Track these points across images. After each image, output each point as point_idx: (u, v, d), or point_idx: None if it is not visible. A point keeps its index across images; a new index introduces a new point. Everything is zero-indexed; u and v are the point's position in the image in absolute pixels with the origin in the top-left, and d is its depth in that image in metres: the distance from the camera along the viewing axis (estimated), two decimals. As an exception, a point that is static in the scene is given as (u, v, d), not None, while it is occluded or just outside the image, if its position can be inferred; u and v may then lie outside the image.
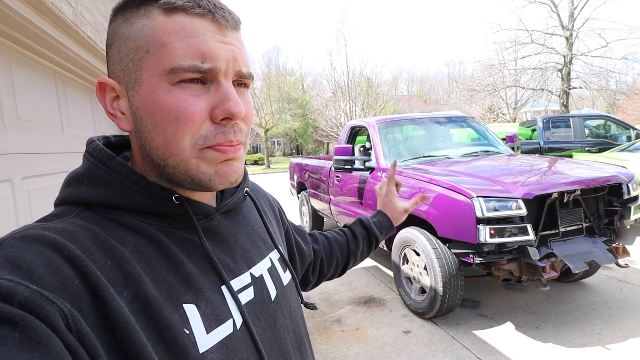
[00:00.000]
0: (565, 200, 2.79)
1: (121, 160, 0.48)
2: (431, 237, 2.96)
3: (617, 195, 2.94)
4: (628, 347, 2.57)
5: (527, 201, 2.57)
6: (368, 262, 4.73)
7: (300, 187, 6.42)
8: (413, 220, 3.35)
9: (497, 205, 2.54)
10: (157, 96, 0.45)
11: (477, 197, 2.57)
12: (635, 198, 2.95)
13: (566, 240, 2.79)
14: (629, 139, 8.26)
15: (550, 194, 2.71)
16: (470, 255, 2.65)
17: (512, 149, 4.45)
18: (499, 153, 4.04)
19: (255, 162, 33.51)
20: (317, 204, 5.53)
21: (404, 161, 3.79)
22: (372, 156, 3.97)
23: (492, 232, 2.51)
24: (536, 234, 2.66)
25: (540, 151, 7.70)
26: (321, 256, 0.90)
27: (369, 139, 4.69)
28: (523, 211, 2.53)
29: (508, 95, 22.49)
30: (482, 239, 2.52)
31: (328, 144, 43.40)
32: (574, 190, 2.75)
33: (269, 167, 27.26)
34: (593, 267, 3.35)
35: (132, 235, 0.45)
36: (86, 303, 0.36)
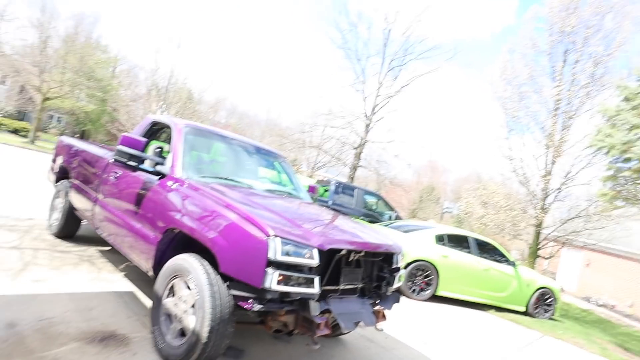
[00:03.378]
0: (350, 258, 2.81)
1: None
2: (211, 270, 2.46)
3: (388, 263, 3.18)
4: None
5: (319, 252, 2.43)
6: (124, 285, 3.81)
7: (62, 174, 4.94)
8: (193, 245, 2.80)
9: (291, 250, 2.30)
10: None
11: (275, 236, 2.27)
12: (399, 268, 3.26)
13: (342, 298, 2.77)
14: (389, 218, 10.08)
15: (341, 250, 2.67)
16: (250, 301, 2.28)
17: (312, 198, 4.54)
18: (301, 199, 4.01)
19: (15, 131, 26.13)
20: (79, 201, 4.28)
21: (203, 177, 3.25)
22: (168, 161, 3.28)
23: (280, 278, 2.22)
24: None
25: (327, 208, 8.43)
26: None
27: (168, 142, 3.98)
28: (315, 261, 2.37)
29: (310, 155, 25.13)
30: (267, 285, 2.20)
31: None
32: (361, 251, 2.81)
33: (33, 142, 21.55)
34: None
35: None
36: None
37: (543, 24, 12.67)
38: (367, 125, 16.88)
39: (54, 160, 5.31)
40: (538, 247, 11.90)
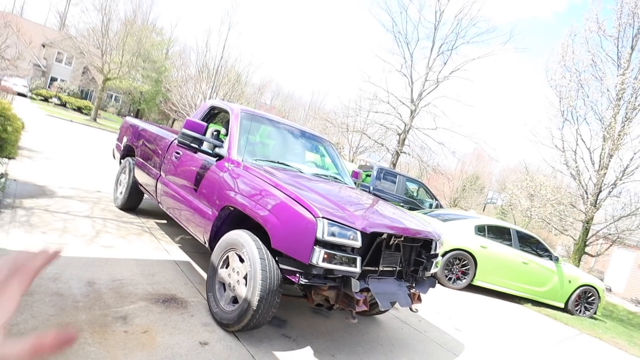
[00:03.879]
0: (390, 242, 2.98)
1: None
2: (262, 245, 2.73)
3: (426, 249, 3.32)
4: (399, 384, 2.83)
5: (362, 234, 2.62)
6: (180, 255, 4.21)
7: (127, 152, 5.43)
8: (246, 222, 3.09)
9: (337, 231, 2.50)
10: None
11: (322, 217, 2.48)
12: (437, 255, 3.38)
13: (380, 279, 2.96)
14: (430, 206, 10.04)
15: (382, 234, 2.85)
16: (297, 275, 2.53)
17: (355, 184, 4.71)
18: (345, 184, 4.19)
19: (79, 109, 28.13)
20: (142, 177, 4.72)
21: (256, 160, 3.52)
22: (225, 144, 3.58)
23: (326, 256, 2.44)
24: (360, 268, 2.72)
25: (368, 194, 8.59)
26: None
27: (225, 126, 4.28)
28: (358, 243, 2.56)
29: (353, 139, 25.13)
30: (314, 261, 2.43)
31: (174, 120, 40.03)
32: (401, 236, 2.97)
33: (95, 120, 23.17)
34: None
35: None
36: None
37: (612, 4, 11.74)
38: (413, 111, 16.62)
39: (119, 139, 5.82)
40: (586, 243, 11.38)
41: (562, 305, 7.66)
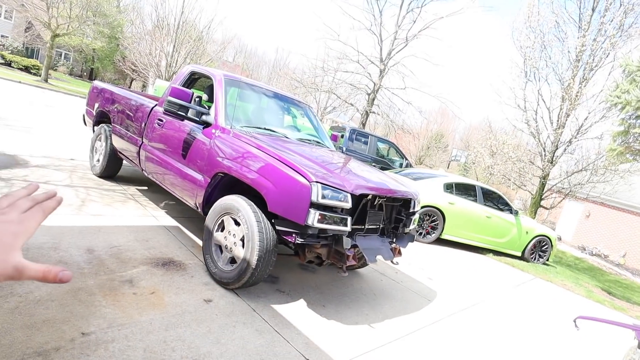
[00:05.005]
0: (375, 202, 3.23)
1: None
2: (257, 209, 2.90)
3: (405, 208, 3.61)
4: (385, 325, 3.20)
5: (352, 196, 2.84)
6: (169, 221, 4.31)
7: (100, 118, 5.30)
8: (237, 187, 3.24)
9: (330, 194, 2.71)
10: None
11: (316, 182, 2.67)
12: (415, 212, 3.69)
13: (366, 236, 3.23)
14: (400, 165, 10.43)
15: (368, 195, 3.08)
16: (294, 235, 2.74)
17: (334, 147, 4.88)
18: (327, 147, 4.36)
19: (26, 69, 26.04)
20: (121, 144, 4.67)
21: (243, 127, 3.61)
22: (212, 111, 3.61)
23: (320, 217, 2.65)
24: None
25: (342, 155, 8.81)
26: None
27: (207, 92, 4.28)
28: (349, 204, 2.78)
29: (321, 99, 24.96)
30: (309, 222, 2.63)
31: (132, 80, 37.87)
32: (385, 197, 3.22)
33: (47, 81, 21.62)
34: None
35: None
36: None
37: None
38: (382, 71, 16.66)
39: (90, 104, 5.63)
40: (542, 197, 12.33)
41: (519, 254, 8.44)
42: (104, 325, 2.18)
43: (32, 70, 25.99)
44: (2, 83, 16.32)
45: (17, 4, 23.68)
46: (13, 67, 25.87)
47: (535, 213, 12.38)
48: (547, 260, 8.88)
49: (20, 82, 18.39)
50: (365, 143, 10.10)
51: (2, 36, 30.92)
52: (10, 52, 28.24)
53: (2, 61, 26.10)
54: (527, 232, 8.32)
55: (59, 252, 2.85)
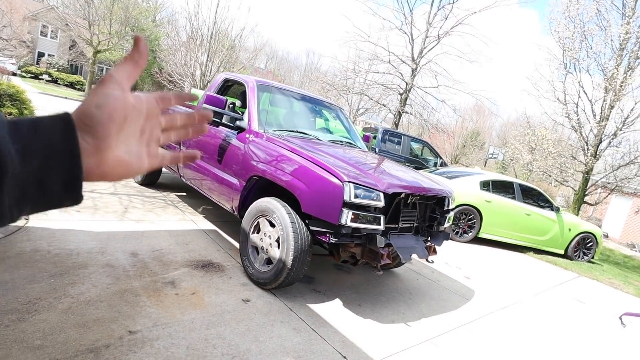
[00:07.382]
0: (408, 201, 3.21)
1: None
2: (291, 210, 2.96)
3: (440, 206, 3.56)
4: (422, 324, 3.17)
5: (384, 195, 2.84)
6: (207, 225, 4.47)
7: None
8: (271, 189, 3.32)
9: (362, 193, 2.72)
10: None
11: (348, 182, 2.70)
12: (449, 210, 3.63)
13: (400, 234, 3.22)
14: (435, 164, 10.25)
15: (401, 194, 3.07)
16: (327, 235, 2.77)
17: (367, 147, 4.89)
18: (359, 148, 4.38)
19: (72, 85, 27.68)
20: (161, 152, 4.89)
21: (276, 130, 3.69)
22: (245, 116, 3.73)
23: (353, 216, 2.67)
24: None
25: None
26: None
27: (239, 98, 4.40)
28: (381, 203, 2.79)
29: (353, 101, 24.92)
30: (343, 222, 2.66)
31: (170, 91, 39.30)
32: (418, 195, 3.19)
33: (90, 95, 22.85)
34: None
35: None
36: None
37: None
38: (414, 70, 16.43)
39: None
40: (585, 193, 11.71)
41: (562, 252, 8.07)
42: (149, 324, 2.30)
43: (76, 86, 27.64)
44: (50, 99, 17.47)
45: (61, 24, 25.24)
46: (59, 83, 27.62)
47: (579, 210, 11.78)
48: (592, 258, 8.43)
49: (66, 97, 19.61)
50: (399, 143, 10.01)
51: (49, 55, 33.06)
52: (56, 69, 30.18)
53: (50, 79, 27.92)
54: (569, 229, 7.95)
55: (105, 256, 3.03)
